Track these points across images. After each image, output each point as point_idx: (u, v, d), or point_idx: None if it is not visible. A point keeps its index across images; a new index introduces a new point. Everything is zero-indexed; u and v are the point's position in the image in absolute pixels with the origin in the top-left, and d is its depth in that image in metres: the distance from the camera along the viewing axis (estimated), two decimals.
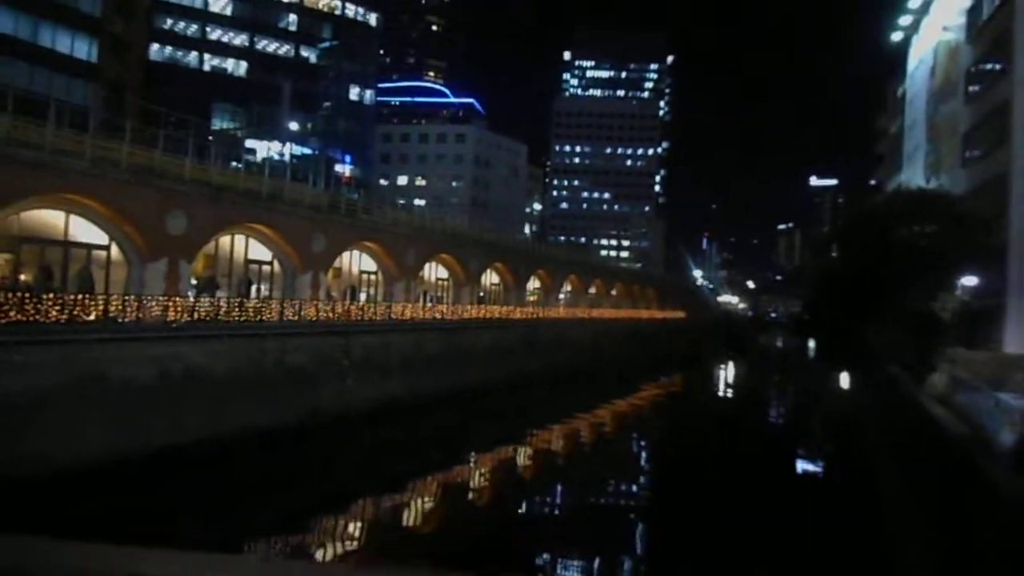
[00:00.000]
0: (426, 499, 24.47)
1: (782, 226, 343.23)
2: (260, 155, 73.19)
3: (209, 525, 20.04)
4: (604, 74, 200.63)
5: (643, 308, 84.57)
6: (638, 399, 49.84)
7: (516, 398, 42.72)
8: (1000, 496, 12.78)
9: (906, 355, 33.67)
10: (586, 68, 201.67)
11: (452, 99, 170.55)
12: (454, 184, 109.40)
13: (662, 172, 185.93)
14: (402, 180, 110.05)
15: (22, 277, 24.21)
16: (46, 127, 22.76)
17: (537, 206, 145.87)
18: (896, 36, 58.47)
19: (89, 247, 25.01)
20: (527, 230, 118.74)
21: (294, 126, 72.66)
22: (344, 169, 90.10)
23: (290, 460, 26.09)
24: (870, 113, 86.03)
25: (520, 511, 23.77)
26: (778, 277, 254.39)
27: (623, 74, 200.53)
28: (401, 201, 65.45)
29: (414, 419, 33.66)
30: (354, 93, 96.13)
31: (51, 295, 21.43)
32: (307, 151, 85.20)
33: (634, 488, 28.63)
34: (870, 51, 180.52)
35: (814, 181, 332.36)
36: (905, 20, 55.55)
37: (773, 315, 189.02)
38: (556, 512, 24.68)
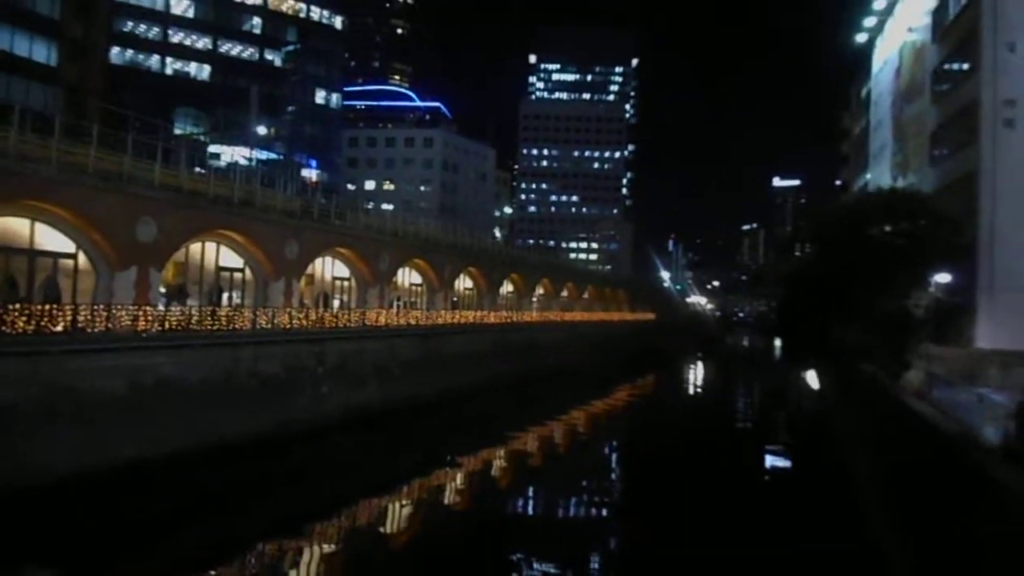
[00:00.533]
0: (402, 506, 24.16)
1: (746, 227, 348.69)
2: (225, 160, 72.07)
3: (187, 539, 19.54)
4: (570, 77, 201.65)
5: (614, 310, 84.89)
6: (611, 401, 50.27)
7: (491, 402, 42.71)
8: (1005, 490, 12.85)
9: (879, 352, 34.09)
10: (551, 71, 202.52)
11: (418, 103, 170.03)
12: (422, 188, 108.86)
13: (629, 175, 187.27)
14: (370, 185, 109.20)
15: None
16: (8, 132, 21.95)
17: (508, 210, 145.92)
18: (860, 38, 59.39)
19: (55, 255, 24.14)
20: (496, 234, 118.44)
21: (262, 130, 71.52)
22: (311, 174, 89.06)
23: (265, 470, 25.47)
24: (833, 114, 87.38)
25: (493, 516, 23.49)
26: (743, 277, 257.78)
27: (588, 77, 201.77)
28: (369, 205, 64.79)
29: (389, 426, 33.30)
30: (320, 97, 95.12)
31: (17, 305, 20.61)
32: (273, 156, 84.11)
33: (606, 490, 28.72)
34: (833, 53, 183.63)
35: (777, 182, 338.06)
36: (869, 22, 56.45)
37: (740, 315, 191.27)
38: (528, 516, 24.51)
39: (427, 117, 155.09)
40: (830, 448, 34.51)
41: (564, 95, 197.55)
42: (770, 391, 62.86)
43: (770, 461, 32.94)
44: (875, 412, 30.87)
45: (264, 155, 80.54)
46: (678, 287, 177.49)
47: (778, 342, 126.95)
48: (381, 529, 22.10)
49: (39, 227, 23.52)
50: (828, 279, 36.86)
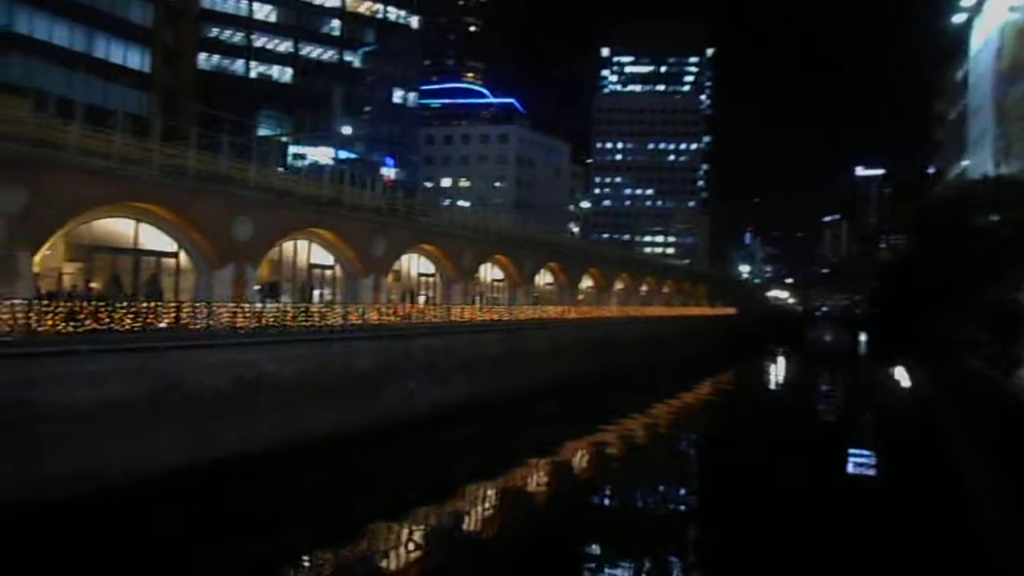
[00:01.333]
0: (494, 498, 24.28)
1: (827, 218, 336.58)
2: (309, 160, 73.82)
3: (301, 529, 19.98)
4: (643, 69, 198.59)
5: (694, 305, 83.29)
6: (692, 397, 49.60)
7: (572, 399, 42.50)
8: None
9: (988, 347, 32.19)
10: (624, 64, 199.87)
11: (492, 99, 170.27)
12: (497, 185, 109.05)
13: (704, 166, 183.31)
14: (446, 182, 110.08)
15: (92, 285, 24.32)
16: (112, 136, 22.83)
17: (586, 204, 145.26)
18: (958, 19, 56.44)
19: (158, 255, 25.05)
20: (574, 229, 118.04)
21: (347, 130, 72.94)
22: (389, 172, 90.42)
23: (364, 464, 25.87)
24: (924, 99, 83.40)
25: (572, 510, 23.56)
26: (824, 270, 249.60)
27: (662, 68, 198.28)
28: (445, 203, 65.35)
29: (476, 422, 33.42)
30: (397, 96, 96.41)
31: (126, 304, 21.41)
32: (352, 155, 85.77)
33: (682, 488, 28.29)
34: (921, 37, 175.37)
35: (859, 171, 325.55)
36: (968, 1, 53.55)
37: (823, 309, 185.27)
38: (605, 511, 24.37)
39: (501, 114, 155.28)
40: (927, 451, 32.72)
41: (637, 87, 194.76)
42: (856, 388, 60.58)
43: (855, 464, 31.41)
44: (985, 411, 29.11)
45: (343, 154, 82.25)
46: (756, 281, 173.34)
47: (862, 337, 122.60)
48: (473, 520, 22.27)
49: (143, 227, 24.40)
50: (930, 271, 35.09)
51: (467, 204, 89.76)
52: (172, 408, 21.56)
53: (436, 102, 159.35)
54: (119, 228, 24.04)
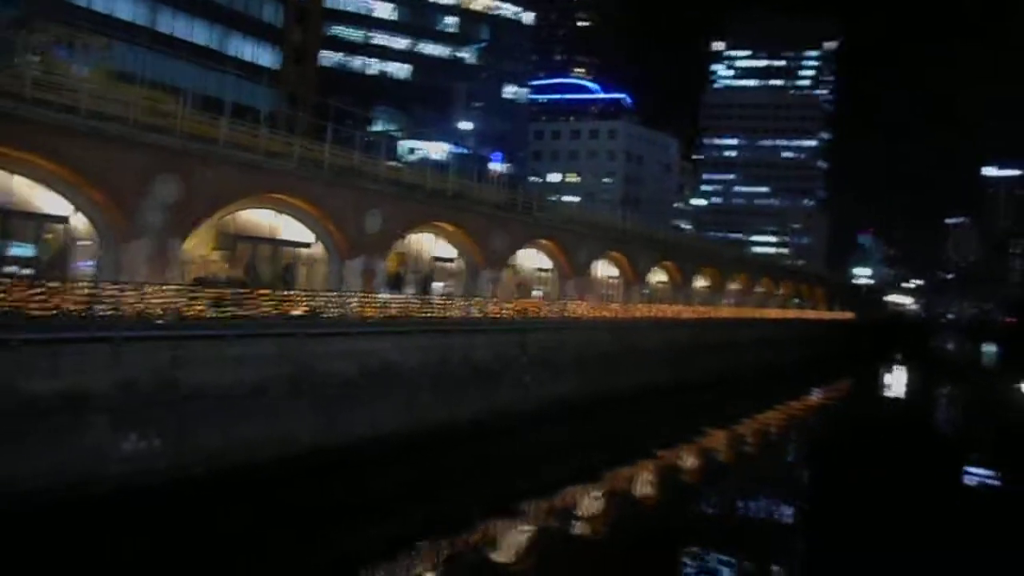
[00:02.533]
0: (606, 495, 24.33)
1: (951, 220, 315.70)
2: (422, 154, 75.49)
3: (416, 515, 20.53)
4: (758, 63, 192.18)
5: (811, 308, 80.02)
6: (805, 404, 48.45)
7: (684, 400, 41.88)
8: None
9: None
10: (737, 58, 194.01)
11: (600, 94, 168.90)
12: (605, 180, 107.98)
13: (822, 164, 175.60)
14: (554, 177, 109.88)
15: (226, 272, 25.57)
16: (258, 130, 23.91)
17: (701, 201, 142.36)
18: None
19: (295, 245, 26.10)
20: (686, 226, 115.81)
21: (467, 125, 74.07)
22: (499, 167, 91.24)
23: (479, 455, 26.20)
24: None
25: (678, 515, 23.30)
26: (949, 275, 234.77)
27: (778, 63, 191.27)
28: (553, 198, 65.22)
29: (588, 418, 33.44)
30: (508, 91, 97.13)
31: (268, 292, 22.40)
32: (461, 150, 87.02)
33: (789, 495, 27.36)
34: None
35: (988, 171, 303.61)
36: None
37: (948, 316, 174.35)
38: (714, 518, 23.86)
39: (609, 109, 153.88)
40: None
41: (751, 82, 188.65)
42: (980, 402, 56.76)
43: (973, 481, 29.30)
44: None
45: (454, 149, 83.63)
46: (875, 284, 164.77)
47: (991, 348, 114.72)
48: (578, 515, 22.46)
49: (282, 218, 25.45)
50: None
51: (575, 199, 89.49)
52: (305, 392, 22.41)
53: (544, 97, 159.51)
54: (260, 219, 25.18)
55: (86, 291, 18.43)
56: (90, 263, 20.80)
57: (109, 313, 18.57)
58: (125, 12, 52.95)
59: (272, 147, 24.01)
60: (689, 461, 30.01)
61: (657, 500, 25.04)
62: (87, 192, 19.63)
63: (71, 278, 19.67)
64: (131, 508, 17.44)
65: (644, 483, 26.57)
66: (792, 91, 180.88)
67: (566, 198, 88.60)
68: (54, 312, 17.71)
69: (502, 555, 18.70)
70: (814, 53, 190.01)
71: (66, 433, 17.15)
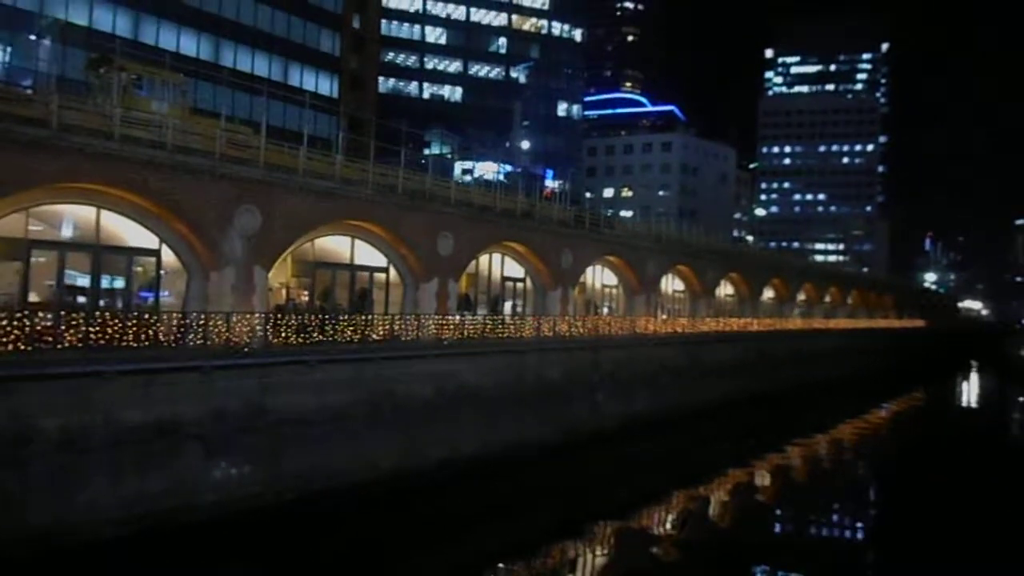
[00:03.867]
0: (673, 519, 24.02)
1: (1020, 221, 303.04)
2: (477, 174, 75.82)
3: (493, 537, 20.47)
4: (811, 69, 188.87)
5: (880, 316, 77.66)
6: (879, 417, 47.28)
7: (754, 415, 41.17)
8: None
9: None
10: (790, 64, 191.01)
11: (651, 108, 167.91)
12: (660, 193, 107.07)
13: (881, 168, 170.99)
14: (608, 192, 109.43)
15: (305, 298, 25.90)
16: (333, 158, 24.24)
17: (761, 211, 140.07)
18: None
19: (371, 269, 26.30)
20: (749, 238, 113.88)
21: (525, 144, 74.35)
22: (554, 184, 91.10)
23: (553, 476, 25.97)
24: None
25: (752, 535, 22.84)
26: (1018, 279, 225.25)
27: (832, 67, 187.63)
28: (607, 213, 64.72)
29: (657, 436, 32.95)
30: (561, 109, 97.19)
31: (346, 317, 22.58)
32: (512, 169, 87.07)
33: (861, 515, 26.90)
34: None
35: None
36: None
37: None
38: (788, 535, 23.60)
39: (661, 122, 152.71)
40: None
41: (805, 88, 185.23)
42: None
43: None
44: None
45: (505, 169, 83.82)
46: (941, 290, 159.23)
47: None
48: (652, 535, 22.34)
49: (358, 244, 25.69)
50: None
51: (630, 214, 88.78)
52: (384, 415, 22.46)
53: (594, 113, 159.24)
54: (337, 245, 25.46)
55: (176, 322, 18.82)
56: (165, 293, 21.23)
57: (199, 343, 18.96)
58: (190, 48, 54.88)
59: (347, 174, 24.29)
60: (762, 479, 29.44)
61: (731, 519, 24.69)
62: (173, 225, 20.08)
63: (147, 309, 20.11)
64: (227, 534, 17.64)
65: (718, 502, 26.26)
66: (848, 95, 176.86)
67: (623, 213, 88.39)
68: (147, 343, 18.12)
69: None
70: (867, 56, 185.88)
71: (161, 461, 17.45)
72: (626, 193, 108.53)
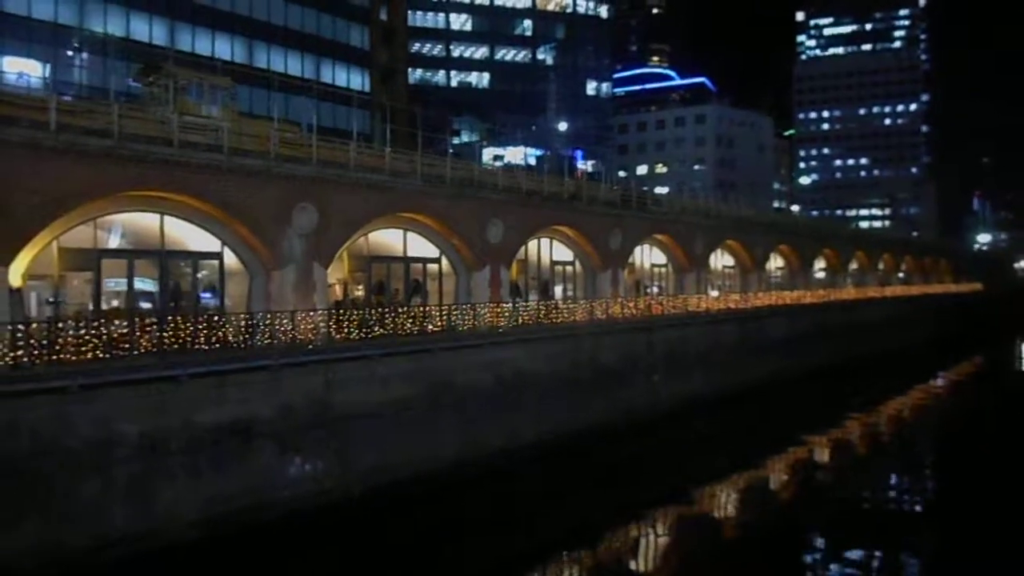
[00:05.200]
0: (742, 499, 23.66)
1: None
2: (508, 159, 75.59)
3: (554, 528, 20.38)
4: (845, 29, 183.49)
5: (935, 282, 75.69)
6: (939, 386, 46.07)
7: (810, 389, 40.46)
8: None
9: None
10: (823, 26, 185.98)
11: (679, 81, 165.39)
12: (696, 167, 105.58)
13: (924, 128, 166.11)
14: (641, 170, 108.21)
15: (358, 293, 26.07)
16: (382, 151, 24.28)
17: (806, 180, 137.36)
18: None
19: (424, 261, 26.37)
20: (794, 208, 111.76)
21: (562, 126, 73.87)
22: (587, 165, 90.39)
23: (619, 457, 25.90)
24: None
25: (815, 514, 22.42)
26: None
27: (867, 26, 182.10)
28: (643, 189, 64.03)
29: (715, 415, 32.57)
30: (591, 87, 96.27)
31: (405, 309, 22.68)
32: (540, 152, 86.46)
33: (919, 493, 26.05)
34: None
35: None
36: None
37: None
38: (851, 513, 22.70)
39: (690, 94, 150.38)
40: None
41: (840, 50, 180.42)
42: None
43: None
44: None
45: (534, 152, 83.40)
46: (997, 250, 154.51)
47: None
48: (717, 516, 22.20)
49: (410, 236, 25.75)
50: None
51: (665, 190, 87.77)
52: (445, 406, 22.53)
53: (621, 90, 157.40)
54: (390, 239, 25.56)
55: (243, 322, 19.07)
56: (207, 295, 21.45)
57: (266, 342, 19.20)
58: (224, 51, 55.40)
59: (397, 166, 24.31)
60: (823, 454, 29.05)
61: (790, 495, 24.43)
62: (234, 227, 20.30)
63: (214, 310, 20.39)
64: (306, 530, 17.89)
65: (780, 479, 25.96)
66: (887, 54, 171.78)
67: (658, 189, 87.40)
68: (217, 345, 18.40)
69: (643, 559, 18.85)
70: (904, 11, 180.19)
71: (236, 461, 17.73)
72: (660, 169, 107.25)
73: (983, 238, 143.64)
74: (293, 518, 18.05)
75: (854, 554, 18.75)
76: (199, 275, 20.81)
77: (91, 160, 16.93)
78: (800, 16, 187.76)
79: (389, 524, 18.92)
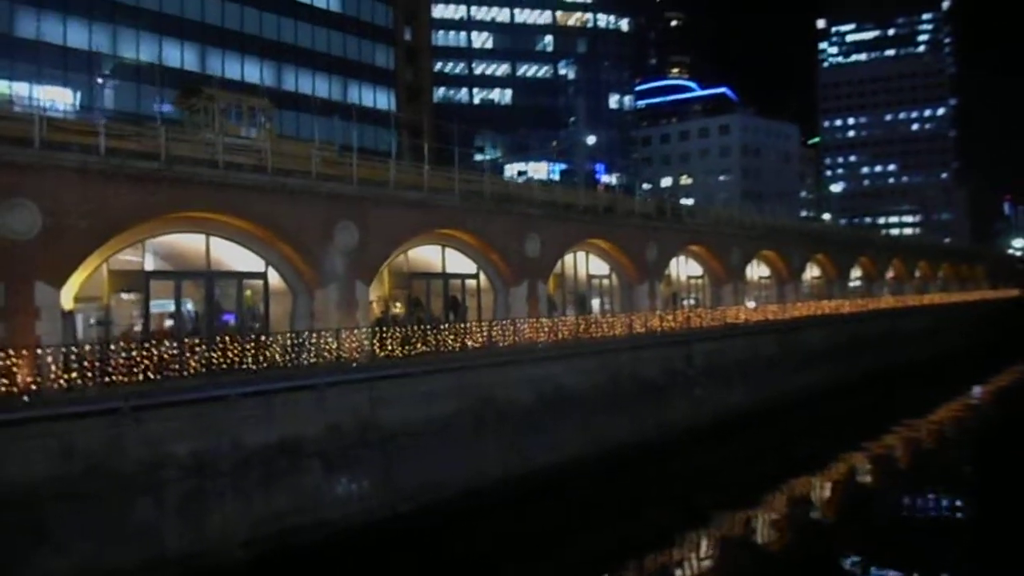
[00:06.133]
0: (781, 515, 23.19)
1: None
2: (531, 174, 75.61)
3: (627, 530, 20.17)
4: (867, 35, 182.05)
5: (972, 288, 74.34)
6: (980, 397, 44.47)
7: (851, 401, 39.51)
8: None
9: None
10: (845, 33, 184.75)
11: (700, 92, 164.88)
12: (721, 178, 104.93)
13: (953, 133, 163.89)
14: (666, 182, 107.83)
15: (397, 309, 26.01)
16: (421, 168, 24.30)
17: (836, 187, 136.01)
18: None
19: (463, 276, 26.29)
20: (825, 216, 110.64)
21: (591, 139, 73.87)
22: (610, 178, 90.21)
23: (663, 472, 25.48)
24: None
25: (857, 530, 21.54)
26: None
27: (890, 31, 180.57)
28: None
29: (755, 429, 31.97)
30: (613, 101, 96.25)
31: (447, 326, 22.57)
32: (563, 166, 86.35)
33: (970, 509, 24.79)
34: None
35: None
36: None
37: None
38: (892, 530, 21.96)
39: (712, 104, 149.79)
40: None
41: (863, 56, 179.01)
42: None
43: None
44: None
45: (555, 167, 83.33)
46: None
47: None
48: (764, 531, 21.44)
49: (448, 252, 25.70)
50: None
51: (691, 202, 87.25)
52: (488, 423, 22.33)
53: (642, 103, 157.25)
54: (429, 255, 25.53)
55: (290, 341, 19.06)
56: (228, 317, 21.38)
57: (312, 361, 19.16)
58: (253, 75, 56.13)
59: (435, 183, 24.30)
60: (864, 470, 28.08)
61: (832, 512, 23.80)
62: (278, 246, 20.37)
63: (259, 331, 20.38)
64: (355, 550, 17.74)
65: (822, 497, 25.23)
66: (911, 59, 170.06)
67: (684, 201, 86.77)
68: (264, 364, 18.39)
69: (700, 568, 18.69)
70: (928, 15, 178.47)
71: (285, 481, 17.65)
72: (685, 181, 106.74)
73: (1018, 243, 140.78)
74: (341, 537, 17.92)
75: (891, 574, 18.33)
76: (243, 295, 20.87)
77: (139, 182, 17.07)
78: (821, 23, 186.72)
79: (439, 543, 18.70)
